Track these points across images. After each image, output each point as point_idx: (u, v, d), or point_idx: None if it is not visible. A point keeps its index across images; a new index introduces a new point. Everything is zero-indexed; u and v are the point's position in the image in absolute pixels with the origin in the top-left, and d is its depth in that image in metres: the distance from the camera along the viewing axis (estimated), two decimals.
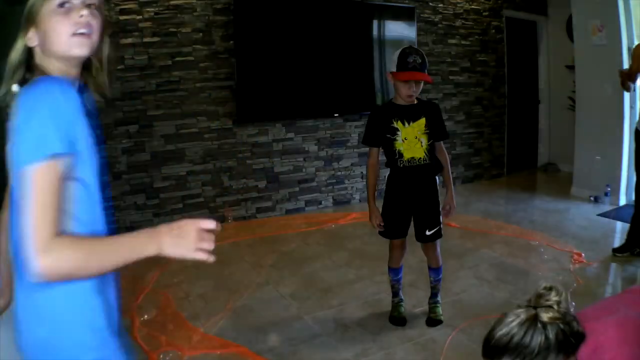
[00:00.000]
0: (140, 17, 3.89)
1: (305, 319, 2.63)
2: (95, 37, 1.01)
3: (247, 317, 2.66)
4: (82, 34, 0.98)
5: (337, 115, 4.78)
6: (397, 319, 2.55)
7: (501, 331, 1.05)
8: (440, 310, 2.54)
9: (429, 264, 2.56)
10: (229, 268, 3.36)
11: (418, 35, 5.08)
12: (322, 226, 4.26)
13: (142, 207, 4.08)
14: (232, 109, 4.28)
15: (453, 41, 5.44)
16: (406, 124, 2.31)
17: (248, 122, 4.38)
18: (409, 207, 2.43)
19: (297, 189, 4.74)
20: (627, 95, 4.37)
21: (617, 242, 3.62)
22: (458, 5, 5.41)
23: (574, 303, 2.76)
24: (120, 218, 4.01)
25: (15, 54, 1.00)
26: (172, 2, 3.99)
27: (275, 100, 4.43)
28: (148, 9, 3.91)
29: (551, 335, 1.02)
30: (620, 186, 4.60)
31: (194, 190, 4.26)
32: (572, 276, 3.04)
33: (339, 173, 4.97)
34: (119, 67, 3.84)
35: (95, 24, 1.00)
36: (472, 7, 5.53)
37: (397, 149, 2.32)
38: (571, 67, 5.51)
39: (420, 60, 2.24)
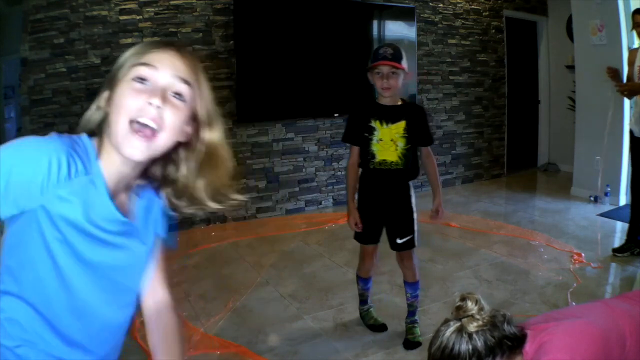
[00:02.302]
0: (140, 17, 3.89)
1: (305, 319, 2.63)
2: (162, 140, 0.79)
3: (247, 317, 2.66)
4: (140, 127, 0.76)
5: (337, 115, 4.78)
6: (377, 326, 2.48)
7: (435, 345, 1.10)
8: (418, 330, 2.37)
9: (404, 278, 2.41)
10: (229, 268, 3.36)
11: (418, 35, 5.08)
12: (322, 226, 4.26)
13: None
14: (232, 109, 4.28)
15: (453, 41, 5.44)
16: (384, 125, 2.19)
17: (248, 122, 4.38)
18: (380, 212, 2.29)
19: (297, 189, 4.75)
20: None
21: (617, 242, 3.63)
22: (458, 5, 5.41)
23: (574, 303, 2.77)
24: None
25: (89, 112, 0.84)
26: (172, 2, 3.99)
27: (275, 100, 4.43)
28: (148, 9, 3.91)
29: (479, 344, 1.05)
30: (620, 186, 4.61)
31: None
32: (572, 276, 3.04)
33: (339, 173, 4.98)
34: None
35: (170, 121, 0.79)
36: (472, 7, 5.53)
37: (371, 149, 2.20)
38: (571, 67, 5.51)
39: (391, 51, 2.13)
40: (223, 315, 2.68)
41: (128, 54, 0.82)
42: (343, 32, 4.63)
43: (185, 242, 3.91)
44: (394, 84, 2.14)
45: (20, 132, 4.12)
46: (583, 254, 3.35)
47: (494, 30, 5.75)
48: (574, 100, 5.33)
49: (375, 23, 4.88)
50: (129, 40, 3.86)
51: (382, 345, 2.34)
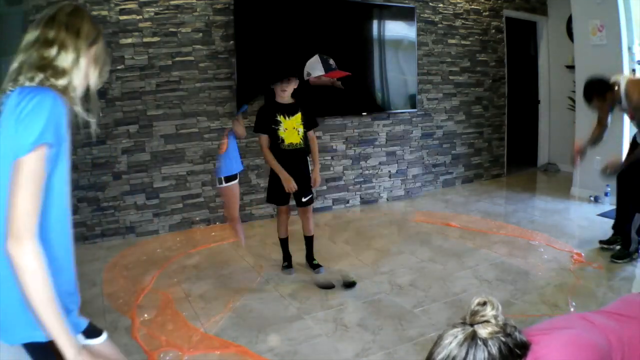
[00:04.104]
0: (140, 17, 3.89)
1: (305, 319, 2.63)
2: None
3: (247, 317, 2.66)
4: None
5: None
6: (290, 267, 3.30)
7: (441, 354, 1.02)
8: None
9: (304, 233, 3.31)
10: (229, 268, 3.36)
11: (418, 35, 5.07)
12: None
13: (142, 207, 4.08)
14: (233, 108, 4.27)
15: (453, 41, 5.44)
16: (287, 118, 3.04)
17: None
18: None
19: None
20: None
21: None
22: (458, 5, 5.41)
23: (574, 303, 2.76)
24: (120, 218, 4.01)
25: (65, 60, 1.11)
26: (172, 2, 3.99)
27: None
28: (148, 9, 3.91)
29: (494, 350, 1.00)
30: None
31: (194, 190, 4.26)
32: (572, 276, 3.04)
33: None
34: (118, 67, 3.85)
35: None
36: (472, 7, 5.53)
37: (280, 136, 3.04)
38: (571, 67, 5.51)
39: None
40: (223, 315, 2.68)
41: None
42: (343, 32, 4.63)
43: (185, 242, 3.91)
44: (290, 87, 3.04)
45: None
46: (583, 254, 3.35)
47: (494, 30, 5.75)
48: (574, 100, 5.33)
49: (375, 23, 4.87)
50: (129, 40, 3.87)
51: (382, 346, 2.34)
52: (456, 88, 5.55)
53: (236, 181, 2.86)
